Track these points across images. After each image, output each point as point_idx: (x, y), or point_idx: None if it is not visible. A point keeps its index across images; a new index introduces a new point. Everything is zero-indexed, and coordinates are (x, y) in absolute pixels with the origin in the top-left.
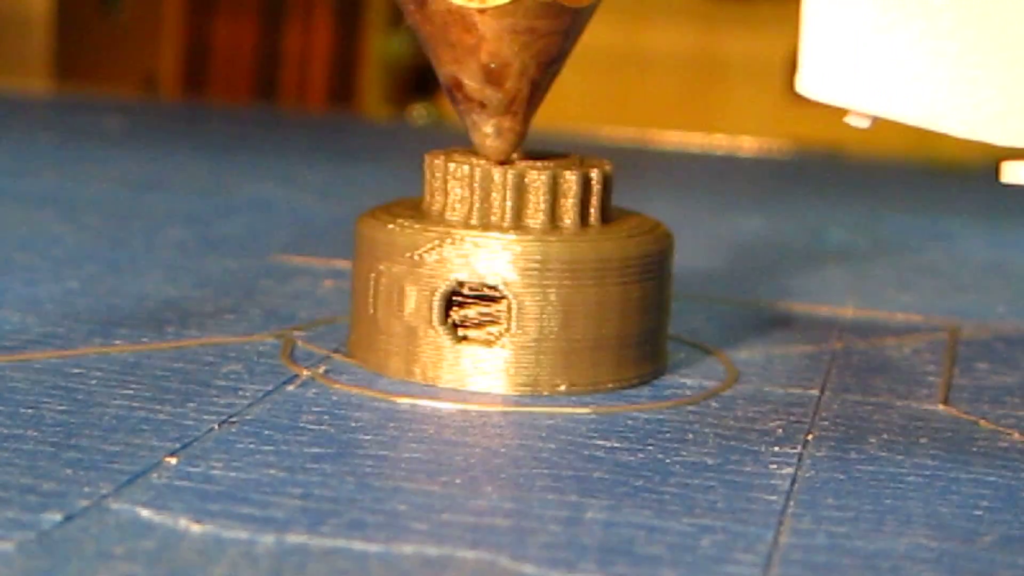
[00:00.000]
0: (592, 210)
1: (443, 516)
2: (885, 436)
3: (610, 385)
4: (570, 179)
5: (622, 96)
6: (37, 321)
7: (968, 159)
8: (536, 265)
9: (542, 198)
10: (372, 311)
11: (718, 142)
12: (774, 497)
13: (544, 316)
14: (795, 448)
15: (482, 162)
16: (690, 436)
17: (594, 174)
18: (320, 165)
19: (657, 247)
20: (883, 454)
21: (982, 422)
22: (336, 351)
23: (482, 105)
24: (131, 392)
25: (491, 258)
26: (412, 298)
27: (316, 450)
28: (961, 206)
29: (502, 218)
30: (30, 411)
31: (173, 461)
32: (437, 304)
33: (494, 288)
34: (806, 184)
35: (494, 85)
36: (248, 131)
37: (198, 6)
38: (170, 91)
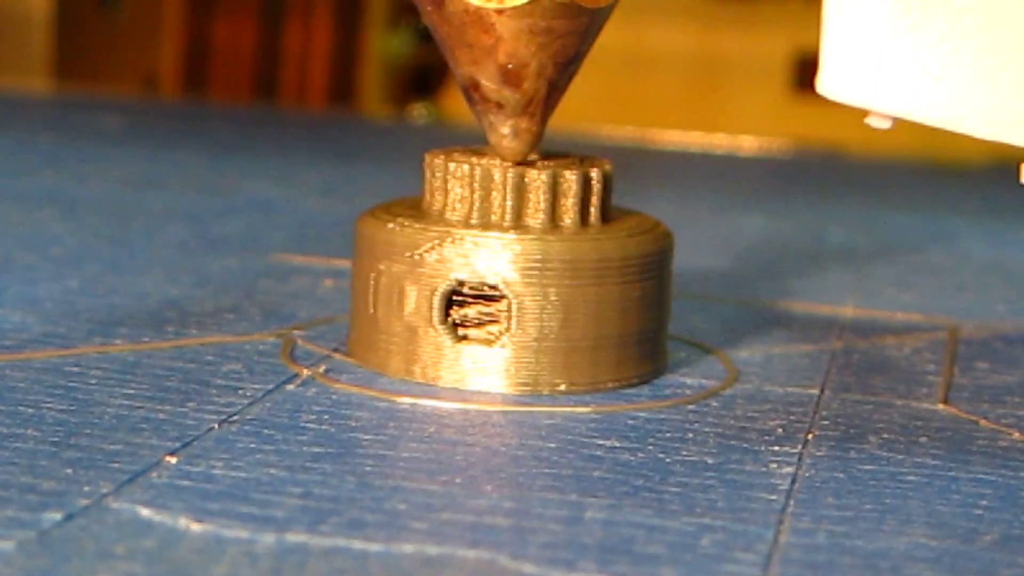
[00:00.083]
0: (592, 209)
1: (443, 515)
2: (885, 435)
3: (610, 384)
4: (570, 179)
5: (622, 96)
6: (37, 320)
7: (968, 159)
8: (536, 264)
9: (542, 197)
10: (372, 310)
11: (718, 142)
12: (774, 496)
13: (544, 315)
14: (795, 447)
15: (483, 161)
16: (690, 435)
17: (594, 174)
18: (320, 164)
19: (657, 246)
20: (883, 453)
21: (982, 421)
22: (336, 350)
23: (499, 106)
24: (131, 391)
25: (491, 257)
26: (412, 297)
27: (316, 449)
28: (961, 206)
29: (502, 217)
30: (30, 410)
31: (173, 460)
32: (437, 303)
33: (494, 287)
34: (806, 184)
35: (511, 86)
36: (248, 130)
37: (198, 6)
38: (170, 90)
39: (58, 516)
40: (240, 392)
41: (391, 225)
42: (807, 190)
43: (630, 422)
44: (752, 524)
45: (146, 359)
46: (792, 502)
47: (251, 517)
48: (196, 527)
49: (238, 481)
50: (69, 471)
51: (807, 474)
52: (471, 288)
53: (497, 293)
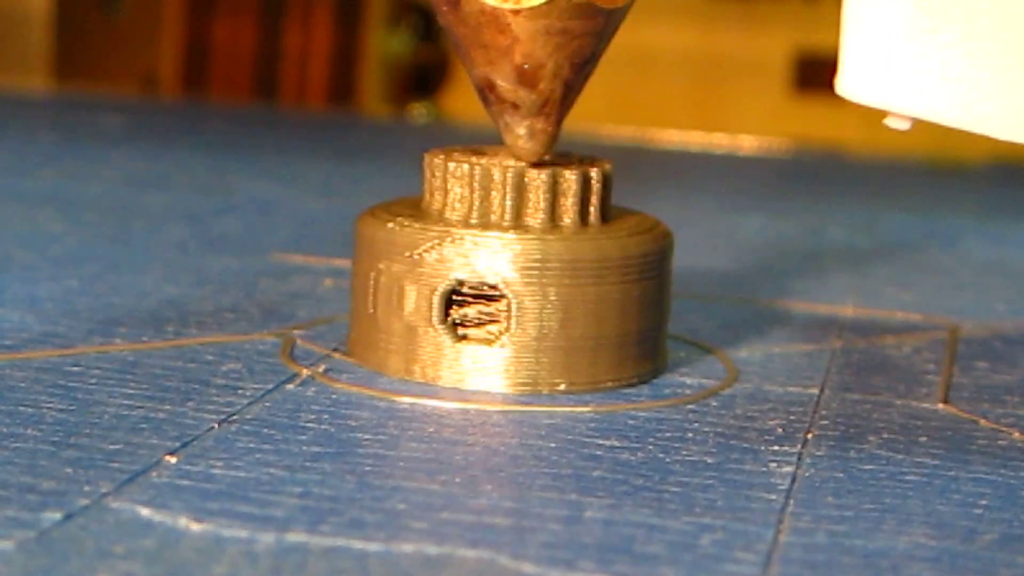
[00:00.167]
0: (592, 209)
1: (443, 515)
2: (885, 435)
3: (610, 384)
4: (570, 178)
5: (623, 95)
6: (37, 320)
7: (968, 159)
8: (536, 264)
9: (542, 197)
10: (372, 310)
11: (718, 141)
12: (774, 496)
13: (544, 315)
14: (795, 447)
15: (482, 161)
16: (690, 435)
17: (594, 173)
18: (320, 164)
19: (657, 246)
20: (883, 453)
21: (982, 421)
22: (336, 350)
23: (515, 106)
24: (131, 391)
25: (491, 257)
26: (412, 297)
27: (316, 449)
28: (961, 206)
29: (502, 217)
30: (30, 410)
31: (173, 460)
32: (437, 303)
33: (494, 287)
34: (806, 183)
35: (527, 86)
36: (248, 130)
37: (198, 5)
38: (170, 90)
39: (58, 516)
40: (240, 392)
41: (391, 225)
42: (807, 190)
43: (630, 422)
44: (752, 524)
45: (146, 359)
46: (792, 501)
47: (251, 517)
48: (196, 527)
49: (238, 481)
50: (69, 471)
51: (807, 474)
52: (471, 288)
53: (497, 293)
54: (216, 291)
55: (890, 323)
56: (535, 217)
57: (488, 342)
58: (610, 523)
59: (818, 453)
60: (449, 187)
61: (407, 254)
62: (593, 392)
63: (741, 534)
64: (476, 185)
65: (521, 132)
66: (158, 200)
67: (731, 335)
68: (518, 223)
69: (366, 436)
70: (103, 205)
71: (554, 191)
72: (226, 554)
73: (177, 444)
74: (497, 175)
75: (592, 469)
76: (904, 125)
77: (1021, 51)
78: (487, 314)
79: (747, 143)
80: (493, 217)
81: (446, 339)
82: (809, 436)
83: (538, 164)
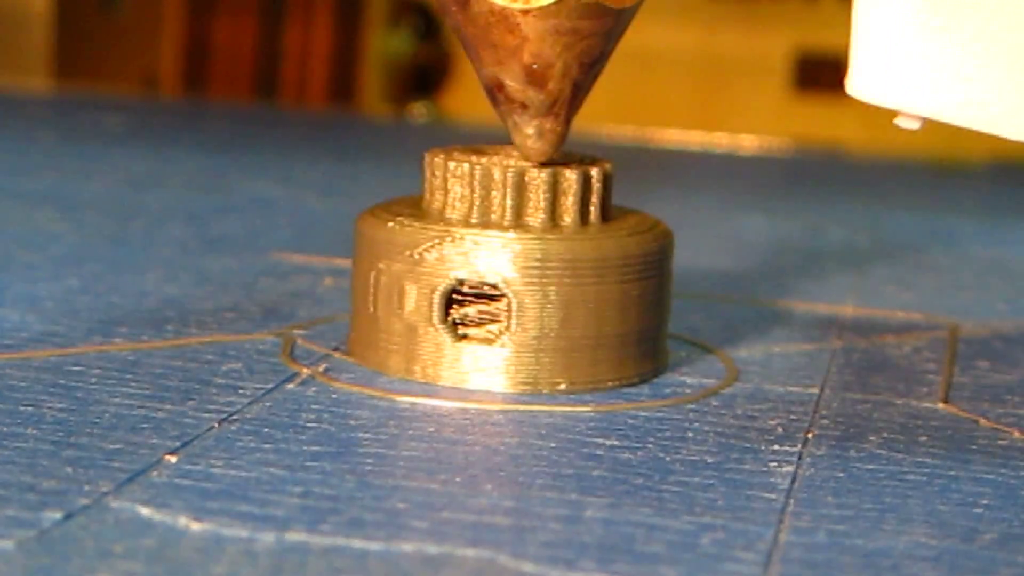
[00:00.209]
0: (592, 208)
1: (443, 514)
2: (885, 434)
3: (610, 383)
4: (570, 177)
5: (623, 95)
6: (37, 319)
7: (968, 158)
8: (536, 263)
9: (542, 196)
10: (372, 309)
11: (719, 141)
12: (774, 495)
13: (544, 314)
14: (795, 446)
15: (482, 160)
16: (690, 434)
17: (594, 172)
18: (320, 163)
19: (657, 245)
20: (883, 452)
21: (982, 420)
22: (336, 349)
23: (524, 106)
24: (131, 390)
25: (491, 256)
26: (412, 296)
27: (316, 448)
28: (961, 205)
29: (502, 216)
30: (30, 409)
31: (173, 459)
32: (437, 302)
33: (494, 286)
34: (806, 183)
35: (536, 86)
36: (248, 129)
37: (198, 5)
38: (170, 89)
39: (58, 515)
40: (240, 391)
41: (391, 224)
42: (807, 190)
43: (630, 421)
44: (752, 523)
45: (146, 358)
46: (792, 501)
47: (251, 516)
48: (196, 526)
49: (238, 480)
50: (69, 470)
51: (807, 473)
52: (471, 287)
53: (497, 292)
54: (216, 291)
55: (890, 323)
56: (535, 216)
57: (488, 342)
58: (610, 523)
59: (818, 453)
60: (449, 186)
61: (407, 253)
62: (593, 392)
63: (741, 533)
64: (476, 184)
65: (530, 132)
66: (158, 199)
67: (731, 335)
68: (518, 222)
69: (366, 435)
70: (103, 204)
71: (554, 190)
72: (226, 554)
73: (177, 444)
74: (497, 174)
75: (592, 469)
76: (914, 125)
77: None
78: (487, 313)
79: (748, 143)
80: (493, 216)
81: (446, 338)
82: (809, 436)
83: (547, 164)
